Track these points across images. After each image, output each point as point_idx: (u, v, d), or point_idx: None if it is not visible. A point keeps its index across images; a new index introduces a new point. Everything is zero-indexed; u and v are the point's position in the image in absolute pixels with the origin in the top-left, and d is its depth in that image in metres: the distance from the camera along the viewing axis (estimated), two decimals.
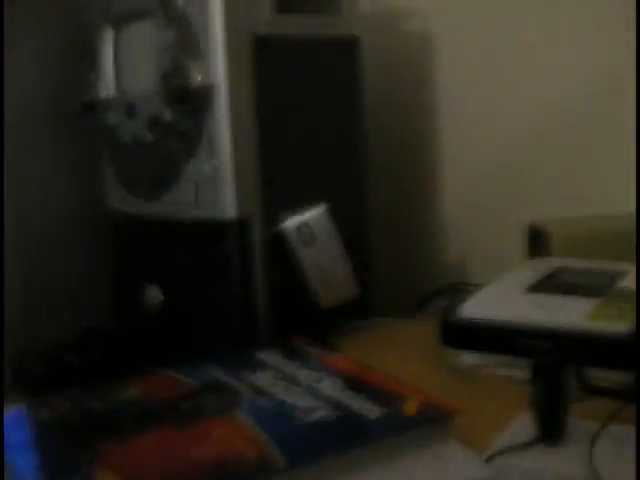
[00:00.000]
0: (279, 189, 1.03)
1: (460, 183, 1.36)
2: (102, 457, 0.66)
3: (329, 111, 1.11)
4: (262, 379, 0.81)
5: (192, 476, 0.63)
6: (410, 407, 0.73)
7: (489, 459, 0.69)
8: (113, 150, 1.13)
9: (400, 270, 1.37)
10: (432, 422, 0.72)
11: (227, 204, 1.01)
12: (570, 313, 0.86)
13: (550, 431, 0.71)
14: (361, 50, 1.13)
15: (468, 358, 0.91)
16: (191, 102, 0.99)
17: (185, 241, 1.06)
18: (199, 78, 0.98)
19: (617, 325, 0.82)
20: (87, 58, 1.14)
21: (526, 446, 0.71)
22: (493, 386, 0.86)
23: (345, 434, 0.69)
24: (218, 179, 1.01)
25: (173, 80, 0.99)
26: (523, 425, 0.73)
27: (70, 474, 0.64)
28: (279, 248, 1.00)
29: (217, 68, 0.99)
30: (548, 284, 0.96)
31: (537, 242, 1.12)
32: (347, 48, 1.12)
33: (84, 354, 1.18)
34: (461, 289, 0.99)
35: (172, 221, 1.06)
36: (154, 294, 1.10)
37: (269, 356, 0.88)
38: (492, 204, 1.30)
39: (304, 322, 1.02)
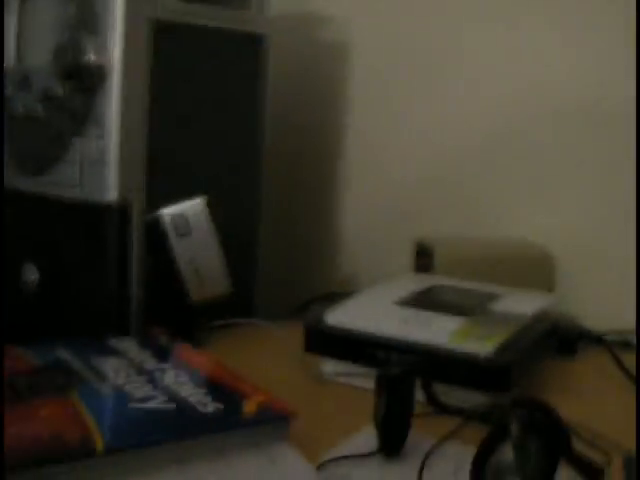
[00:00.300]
0: (165, 177, 1.02)
1: (357, 193, 1.36)
2: None
3: (227, 106, 1.10)
4: (108, 365, 0.80)
5: (10, 451, 0.61)
6: (249, 406, 0.73)
7: (320, 467, 0.68)
8: (7, 123, 1.11)
9: (286, 275, 1.37)
10: (269, 423, 0.71)
11: (109, 187, 0.99)
12: (432, 329, 0.86)
13: (389, 444, 0.71)
14: (266, 49, 1.13)
15: (329, 365, 0.91)
16: (82, 79, 0.97)
17: (65, 222, 1.04)
18: (93, 56, 0.97)
19: (474, 345, 0.82)
20: None
21: (362, 457, 0.70)
22: (348, 395, 0.86)
23: (174, 424, 0.68)
24: (103, 161, 0.99)
25: (67, 55, 0.97)
26: (367, 436, 0.72)
27: None
28: (155, 236, 0.99)
29: (113, 49, 0.97)
30: (420, 299, 0.96)
31: (422, 259, 1.12)
32: (251, 45, 1.11)
33: None
34: (338, 297, 0.98)
35: (54, 200, 1.04)
36: (31, 273, 1.08)
37: (124, 343, 0.87)
38: (386, 219, 1.31)
39: (175, 313, 1.00)
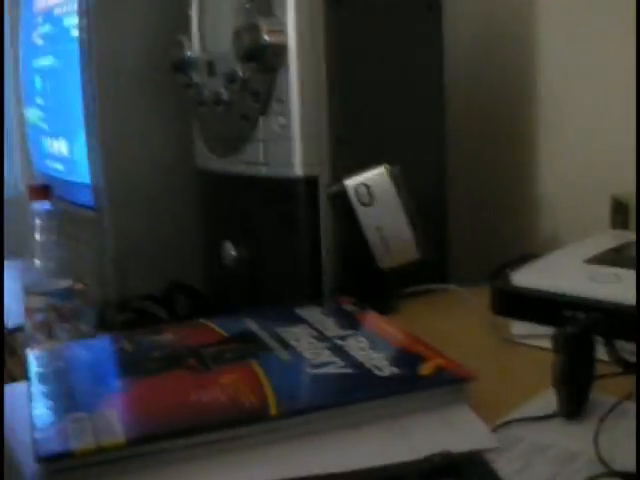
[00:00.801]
0: (348, 148, 1.03)
1: (553, 149, 1.31)
2: (114, 393, 0.70)
3: (405, 73, 1.09)
4: (292, 333, 0.82)
5: (185, 416, 0.65)
6: (427, 369, 0.72)
7: (497, 428, 0.67)
8: (198, 108, 1.16)
9: (482, 238, 1.34)
10: (446, 386, 0.71)
11: (295, 162, 1.01)
12: (621, 286, 0.82)
13: (567, 405, 0.69)
14: (442, 13, 1.11)
15: (518, 328, 0.89)
16: (262, 60, 1.00)
17: (257, 199, 1.08)
18: (270, 37, 0.99)
19: None
20: (180, 18, 1.17)
21: (539, 419, 0.69)
22: (535, 357, 0.84)
23: (349, 388, 0.69)
24: (287, 137, 1.01)
25: (245, 38, 1.00)
26: (548, 398, 0.71)
27: (86, 404, 0.67)
28: (341, 206, 1.00)
29: (289, 27, 0.99)
30: (612, 256, 0.93)
31: (619, 215, 1.07)
32: (425, 10, 1.10)
33: (167, 306, 1.22)
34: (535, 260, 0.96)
35: (246, 179, 1.08)
36: (230, 250, 1.13)
37: (310, 312, 0.89)
38: (586, 174, 1.26)
39: (366, 281, 1.02)
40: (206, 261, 1.22)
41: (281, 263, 1.06)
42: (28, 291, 1.25)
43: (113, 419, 0.64)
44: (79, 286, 1.25)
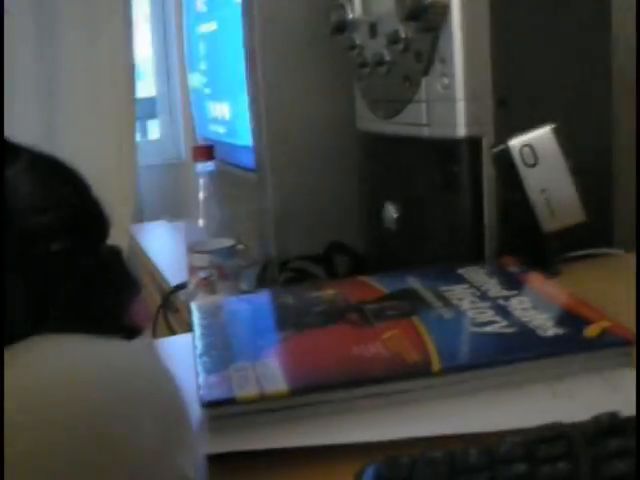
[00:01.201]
0: (511, 109, 1.01)
1: None
2: (276, 345, 0.71)
3: (571, 34, 1.06)
4: (454, 292, 0.81)
5: (347, 369, 0.65)
6: (592, 331, 0.70)
7: None
8: (359, 69, 1.16)
9: None
10: (611, 348, 0.69)
11: (458, 123, 1.00)
12: None
13: None
14: None
15: None
16: (425, 19, 0.99)
17: (419, 160, 1.07)
18: None
19: None
20: None
21: None
22: None
23: (511, 347, 0.68)
24: (450, 98, 1.00)
25: None
26: None
27: (249, 354, 0.69)
28: (505, 168, 0.98)
29: None
30: None
31: None
32: None
33: (326, 266, 1.23)
34: None
35: (408, 140, 1.08)
36: (392, 210, 1.13)
37: (473, 272, 0.88)
38: None
39: (529, 244, 1.00)
40: (366, 222, 1.23)
41: (442, 225, 1.05)
42: (192, 250, 1.29)
43: (275, 369, 0.65)
44: (240, 245, 1.28)
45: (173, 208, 2.16)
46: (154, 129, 2.67)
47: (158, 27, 2.42)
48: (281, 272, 1.23)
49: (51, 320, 0.57)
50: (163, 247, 1.86)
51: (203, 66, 1.56)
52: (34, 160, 0.61)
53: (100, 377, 0.52)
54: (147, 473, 0.49)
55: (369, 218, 1.21)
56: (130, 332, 0.60)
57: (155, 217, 2.27)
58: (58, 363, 0.53)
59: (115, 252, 0.63)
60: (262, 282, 1.23)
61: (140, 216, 2.35)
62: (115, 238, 1.98)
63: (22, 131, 1.88)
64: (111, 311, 0.61)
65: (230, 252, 1.28)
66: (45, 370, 0.52)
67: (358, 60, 1.16)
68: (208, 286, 1.23)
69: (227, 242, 1.29)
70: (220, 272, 1.25)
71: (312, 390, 0.62)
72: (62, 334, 0.55)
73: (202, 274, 1.25)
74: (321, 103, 1.27)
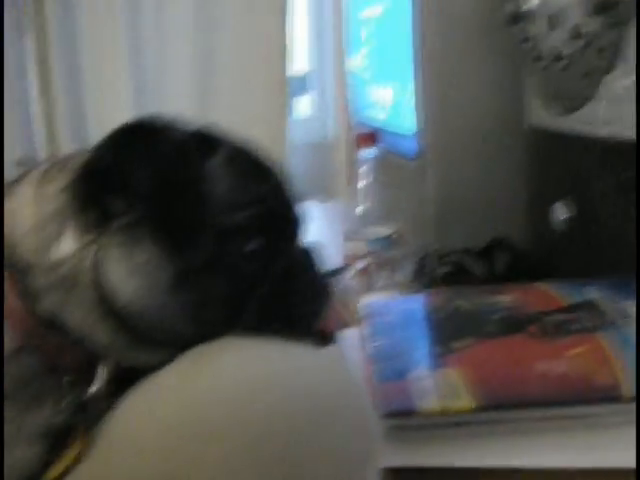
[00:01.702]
0: None
1: None
2: (455, 353, 0.69)
3: None
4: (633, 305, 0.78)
5: (534, 387, 0.63)
6: None
7: None
8: (533, 63, 1.12)
9: None
10: None
11: (632, 124, 0.96)
12: None
13: None
14: None
15: None
16: (613, 15, 0.95)
17: (594, 160, 1.03)
18: None
19: None
20: None
21: None
22: None
23: None
24: (632, 98, 0.96)
25: None
26: None
27: (425, 362, 0.68)
28: None
29: None
30: None
31: None
32: None
33: (486, 262, 1.21)
34: None
35: (585, 138, 1.04)
36: (563, 210, 1.09)
37: None
38: None
39: None
40: (532, 220, 1.19)
41: (617, 230, 1.01)
42: (349, 237, 1.28)
43: (456, 380, 0.64)
44: (399, 235, 1.26)
45: (321, 188, 2.16)
46: (303, 107, 2.67)
47: (314, 5, 2.42)
48: (439, 266, 1.21)
49: (244, 320, 0.57)
50: (314, 228, 1.87)
51: (364, 49, 1.55)
52: (232, 154, 0.60)
53: (295, 384, 0.51)
54: None
55: (535, 216, 1.17)
56: (322, 338, 0.59)
57: (303, 196, 2.28)
58: (253, 368, 0.53)
59: (307, 254, 0.62)
60: (419, 275, 1.21)
61: None
62: None
63: (175, 106, 1.91)
64: (304, 316, 0.60)
65: (388, 241, 1.27)
66: (240, 375, 0.52)
67: (532, 53, 1.12)
68: (365, 276, 1.22)
69: (385, 231, 1.27)
70: (377, 262, 1.24)
71: (500, 407, 0.61)
72: (254, 335, 0.55)
73: (359, 263, 1.24)
74: (488, 95, 1.24)
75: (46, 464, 0.53)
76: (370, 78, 1.54)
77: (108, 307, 0.54)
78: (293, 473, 0.49)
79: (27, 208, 0.57)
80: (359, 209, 1.30)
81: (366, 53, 1.55)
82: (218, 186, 0.57)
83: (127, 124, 0.57)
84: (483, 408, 0.60)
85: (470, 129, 1.26)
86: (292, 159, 2.41)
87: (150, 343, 0.55)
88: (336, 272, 1.38)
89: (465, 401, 0.61)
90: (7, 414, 0.54)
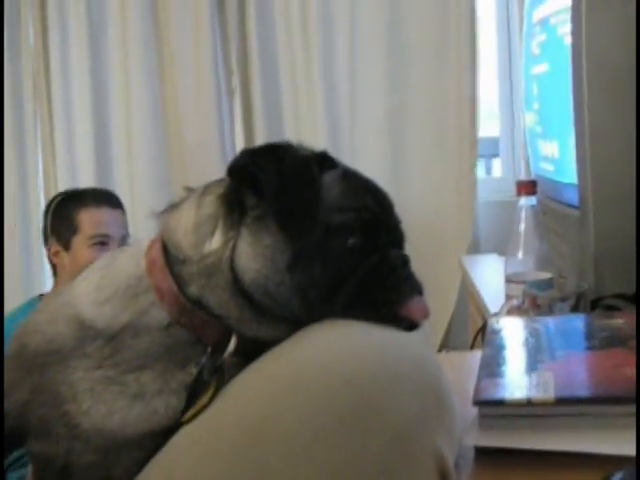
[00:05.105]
0: None
1: None
2: (556, 360, 0.78)
3: None
4: None
5: (615, 387, 0.70)
6: None
7: None
8: None
9: None
10: None
11: None
12: None
13: None
14: None
15: None
16: None
17: None
18: None
19: None
20: None
21: None
22: None
23: None
24: None
25: None
26: None
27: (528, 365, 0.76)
28: None
29: None
30: None
31: None
32: None
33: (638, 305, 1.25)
34: None
35: None
36: None
37: None
38: None
39: None
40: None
41: None
42: (509, 280, 1.36)
43: (547, 380, 0.72)
44: (557, 279, 1.33)
45: (506, 242, 2.22)
46: (497, 167, 2.76)
47: (504, 69, 2.51)
48: (594, 308, 1.26)
49: (340, 302, 0.69)
50: (489, 277, 1.94)
51: (536, 106, 1.63)
52: (348, 172, 0.75)
53: (371, 354, 0.63)
54: (403, 441, 0.59)
55: None
56: (407, 325, 0.70)
57: (489, 250, 2.35)
58: (341, 343, 0.66)
59: (404, 258, 0.74)
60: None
61: (476, 248, 2.44)
62: (448, 266, 2.13)
63: (368, 162, 2.06)
64: (390, 303, 0.71)
65: (546, 284, 1.33)
66: (333, 348, 0.65)
67: None
68: (519, 314, 1.29)
69: (544, 275, 1.34)
70: (532, 302, 1.30)
71: (575, 401, 0.68)
72: (347, 319, 0.69)
73: (514, 301, 1.31)
74: None
75: (185, 409, 0.68)
76: (540, 132, 1.62)
77: (238, 286, 0.68)
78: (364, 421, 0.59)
79: (189, 213, 0.73)
80: (520, 255, 1.38)
81: (537, 108, 1.63)
82: (332, 192, 0.72)
83: (267, 144, 0.72)
84: (561, 401, 0.68)
85: (628, 180, 1.30)
86: (485, 215, 2.49)
87: (270, 318, 0.69)
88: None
89: (548, 396, 0.69)
90: (158, 371, 0.68)
